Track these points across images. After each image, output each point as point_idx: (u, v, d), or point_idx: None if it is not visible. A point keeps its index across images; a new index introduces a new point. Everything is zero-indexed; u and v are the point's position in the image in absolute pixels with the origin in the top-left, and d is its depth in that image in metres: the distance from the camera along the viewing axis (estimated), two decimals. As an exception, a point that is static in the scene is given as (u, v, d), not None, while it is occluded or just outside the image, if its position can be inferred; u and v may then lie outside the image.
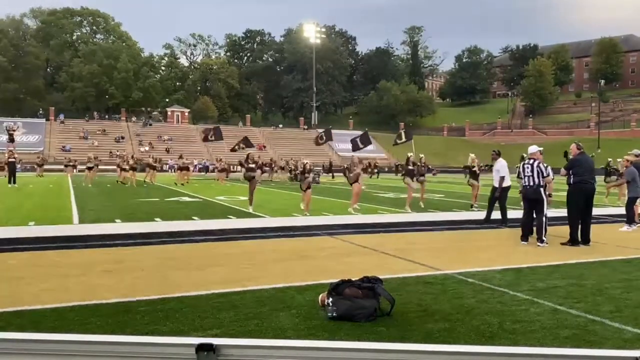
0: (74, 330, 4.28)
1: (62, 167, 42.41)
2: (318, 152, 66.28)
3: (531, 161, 9.40)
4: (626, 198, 12.05)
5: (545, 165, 9.39)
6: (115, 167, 30.32)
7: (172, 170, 49.82)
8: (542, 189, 9.24)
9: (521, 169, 9.58)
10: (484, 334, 4.30)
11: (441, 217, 13.68)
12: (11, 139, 32.23)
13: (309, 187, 14.13)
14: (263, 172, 33.01)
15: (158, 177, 31.27)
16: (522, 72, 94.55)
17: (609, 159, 20.62)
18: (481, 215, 13.08)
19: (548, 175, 9.31)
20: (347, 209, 14.63)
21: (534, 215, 9.37)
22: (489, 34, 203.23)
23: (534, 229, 9.40)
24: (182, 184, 27.50)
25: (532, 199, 9.31)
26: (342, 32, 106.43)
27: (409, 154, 16.35)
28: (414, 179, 15.96)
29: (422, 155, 17.01)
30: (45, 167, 39.91)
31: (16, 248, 8.34)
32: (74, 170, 37.99)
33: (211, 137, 20.06)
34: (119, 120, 70.59)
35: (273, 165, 35.51)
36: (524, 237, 9.37)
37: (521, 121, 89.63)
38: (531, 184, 9.27)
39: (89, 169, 28.29)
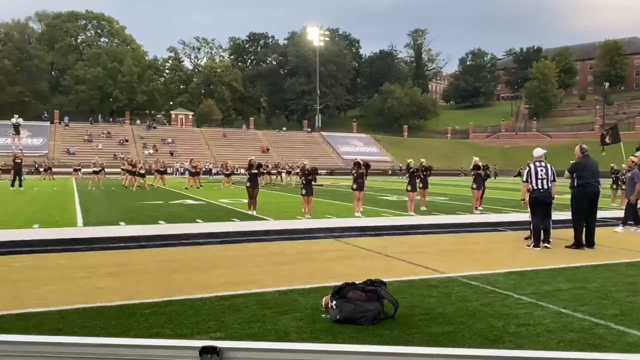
0: (77, 333, 4.29)
1: (66, 169, 42.65)
2: (321, 155, 66.37)
3: (543, 163, 9.17)
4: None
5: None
6: (121, 170, 30.29)
7: (177, 174, 49.95)
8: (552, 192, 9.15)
9: (532, 172, 9.11)
10: (488, 337, 4.28)
11: (444, 220, 13.65)
12: (17, 131, 32.35)
13: (311, 192, 14.15)
14: (271, 174, 33.19)
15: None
16: (526, 74, 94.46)
17: (612, 164, 20.26)
18: (483, 217, 13.05)
19: (555, 180, 9.18)
20: (354, 213, 14.61)
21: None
22: (492, 37, 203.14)
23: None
24: (198, 187, 27.62)
25: (549, 202, 9.04)
26: (346, 35, 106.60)
27: (417, 160, 16.16)
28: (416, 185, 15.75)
29: (422, 160, 16.63)
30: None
31: (20, 250, 8.37)
32: (79, 174, 38.15)
33: (609, 139, 18.31)
34: (123, 123, 70.84)
35: (281, 169, 35.49)
36: (537, 243, 9.01)
37: (525, 124, 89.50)
38: (545, 187, 9.01)
39: (96, 172, 28.35)
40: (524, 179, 9.37)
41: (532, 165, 9.26)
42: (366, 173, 14.65)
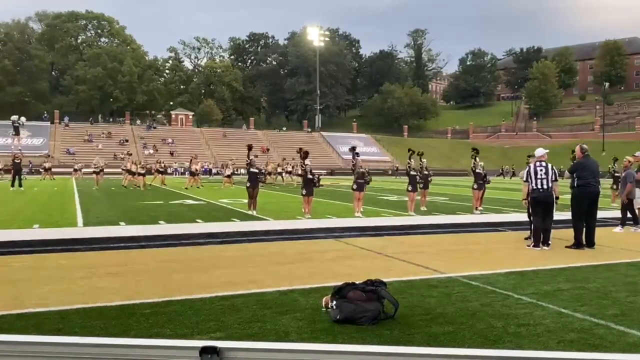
0: (77, 333, 4.28)
1: (66, 169, 42.65)
2: (321, 155, 66.35)
3: (544, 163, 9.14)
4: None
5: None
6: (122, 170, 30.28)
7: (177, 174, 49.99)
8: (553, 192, 9.14)
9: (532, 172, 9.08)
10: (488, 337, 4.28)
11: (445, 220, 13.65)
12: (17, 132, 32.45)
13: (311, 192, 14.15)
14: (272, 174, 33.30)
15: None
16: (526, 74, 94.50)
17: (609, 166, 20.22)
18: (483, 217, 13.02)
19: (556, 179, 9.15)
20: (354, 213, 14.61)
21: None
22: (492, 37, 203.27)
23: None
24: (199, 187, 27.65)
25: (549, 202, 9.00)
26: (346, 35, 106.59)
27: (417, 160, 16.15)
28: (417, 186, 15.68)
29: (424, 160, 16.52)
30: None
31: (20, 251, 8.36)
32: (79, 174, 38.14)
33: None
34: (123, 123, 70.86)
35: (282, 169, 35.57)
36: (537, 243, 8.99)
37: (525, 124, 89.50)
38: (545, 186, 8.97)
39: (97, 173, 28.40)
40: (524, 179, 9.40)
41: (531, 165, 9.26)
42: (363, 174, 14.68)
